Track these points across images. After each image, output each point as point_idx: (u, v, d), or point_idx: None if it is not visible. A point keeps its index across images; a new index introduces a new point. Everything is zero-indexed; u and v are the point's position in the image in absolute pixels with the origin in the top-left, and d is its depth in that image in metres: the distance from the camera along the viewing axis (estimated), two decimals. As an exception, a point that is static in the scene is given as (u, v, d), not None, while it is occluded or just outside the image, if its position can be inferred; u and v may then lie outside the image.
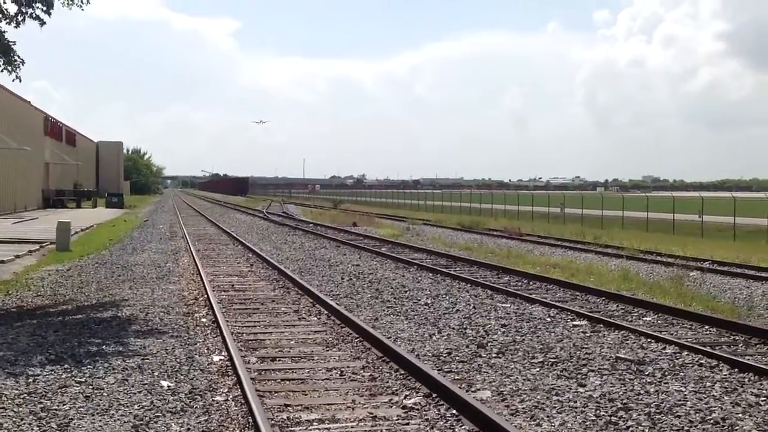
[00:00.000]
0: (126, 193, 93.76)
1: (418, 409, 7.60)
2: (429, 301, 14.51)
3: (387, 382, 8.65)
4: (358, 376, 8.92)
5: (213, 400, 7.92)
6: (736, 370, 9.26)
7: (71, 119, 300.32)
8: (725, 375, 9.06)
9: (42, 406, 7.53)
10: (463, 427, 7.04)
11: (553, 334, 11.44)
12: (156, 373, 8.92)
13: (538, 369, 9.30)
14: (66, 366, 9.13)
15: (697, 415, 7.45)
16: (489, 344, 10.67)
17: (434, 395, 7.96)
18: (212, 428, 7.04)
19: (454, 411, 7.44)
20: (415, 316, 12.93)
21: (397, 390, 8.31)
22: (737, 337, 11.38)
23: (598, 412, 7.52)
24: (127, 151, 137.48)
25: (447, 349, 10.36)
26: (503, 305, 14.08)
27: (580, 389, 8.36)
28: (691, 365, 9.53)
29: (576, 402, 7.86)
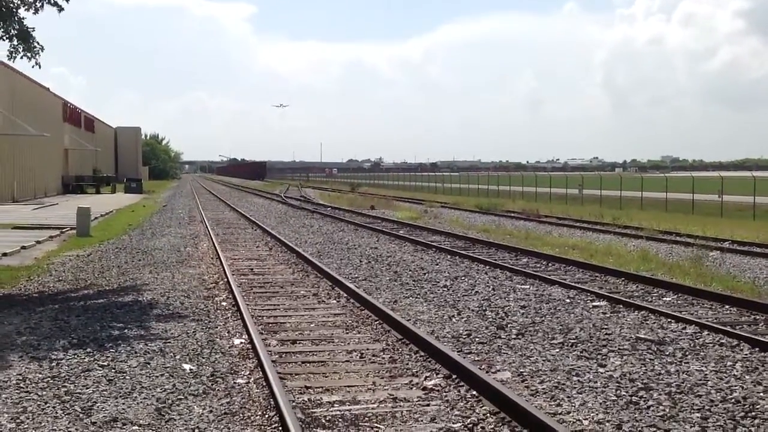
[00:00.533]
0: (144, 178, 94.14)
1: (438, 391, 7.63)
2: (448, 283, 14.52)
3: (407, 364, 8.68)
4: (378, 359, 8.96)
5: (235, 383, 7.99)
6: (757, 349, 9.22)
7: (89, 106, 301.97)
8: (746, 354, 9.02)
9: (66, 389, 7.62)
10: (483, 407, 7.06)
11: (572, 315, 11.42)
12: (178, 357, 9.00)
13: (557, 350, 9.30)
14: (89, 350, 9.22)
15: (718, 394, 7.43)
16: (508, 325, 10.67)
17: (454, 377, 7.98)
18: (234, 410, 7.10)
19: (474, 392, 7.46)
20: (434, 298, 12.95)
21: (417, 372, 8.34)
22: (758, 317, 11.31)
23: (618, 392, 7.52)
24: (145, 136, 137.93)
25: (466, 330, 10.37)
26: (522, 287, 14.07)
27: (601, 369, 8.35)
28: (711, 345, 9.49)
29: (596, 382, 7.86)
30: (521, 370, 8.36)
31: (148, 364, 8.65)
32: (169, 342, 9.73)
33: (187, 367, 8.56)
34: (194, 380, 8.04)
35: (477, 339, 9.90)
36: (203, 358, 9.00)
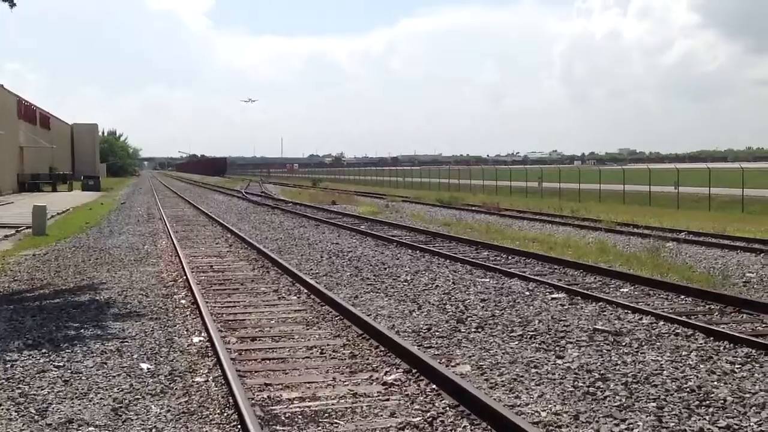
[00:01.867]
0: (102, 175, 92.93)
1: (398, 385, 7.65)
2: (409, 278, 14.55)
3: (367, 359, 8.69)
4: (339, 354, 8.95)
5: (193, 381, 7.92)
6: (712, 338, 9.38)
7: (46, 103, 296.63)
8: (701, 344, 9.18)
9: (20, 391, 7.49)
10: (443, 401, 7.09)
11: (531, 307, 11.52)
12: (135, 356, 8.90)
13: (516, 342, 9.37)
14: (44, 351, 9.07)
15: (674, 383, 7.55)
16: (468, 319, 10.72)
17: (414, 371, 8.00)
18: (192, 409, 7.04)
19: (434, 386, 7.49)
20: (395, 293, 12.97)
21: (377, 367, 8.35)
22: (712, 306, 11.52)
23: (576, 383, 7.60)
24: (103, 133, 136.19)
25: (427, 324, 10.41)
26: (482, 280, 14.15)
27: (559, 361, 8.44)
28: (667, 335, 9.64)
29: (554, 374, 7.94)
30: (481, 363, 8.41)
31: (105, 364, 8.54)
32: (127, 341, 9.61)
33: (144, 366, 8.46)
34: (152, 379, 7.95)
35: (437, 333, 9.94)
36: (161, 357, 8.91)
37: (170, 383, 7.84)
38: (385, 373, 8.07)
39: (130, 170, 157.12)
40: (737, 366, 8.18)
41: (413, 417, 6.70)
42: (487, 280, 14.17)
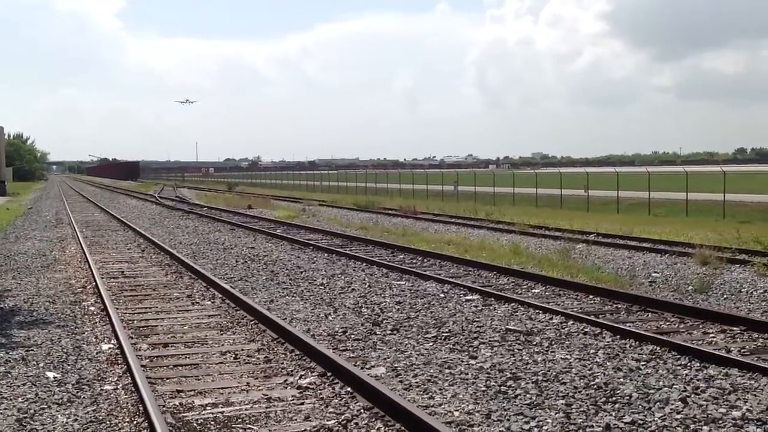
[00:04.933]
0: (8, 180, 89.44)
1: (313, 389, 7.62)
2: (324, 281, 14.52)
3: (282, 363, 8.63)
4: (253, 359, 8.86)
5: (102, 390, 7.71)
6: (618, 336, 9.68)
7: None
8: (608, 342, 9.46)
9: None
10: (357, 404, 7.10)
11: (446, 309, 11.65)
12: (41, 365, 8.62)
13: (431, 344, 9.47)
14: (-57, 361, 8.69)
15: (582, 381, 7.76)
16: (384, 321, 10.77)
17: (329, 374, 7.99)
18: (101, 418, 6.86)
19: (349, 389, 7.50)
20: (311, 297, 12.92)
21: (292, 371, 8.30)
22: (619, 306, 11.88)
23: (488, 382, 7.73)
24: (9, 136, 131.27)
25: (342, 328, 10.40)
26: (398, 283, 14.24)
27: (472, 361, 8.56)
28: (576, 334, 9.90)
29: (467, 374, 8.05)
30: (395, 365, 8.46)
31: (9, 373, 8.24)
32: (32, 350, 9.30)
33: (50, 375, 8.20)
34: (58, 388, 7.71)
35: (353, 336, 9.95)
36: (68, 365, 8.65)
37: (78, 392, 7.62)
38: (300, 377, 8.03)
39: (38, 175, 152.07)
40: (642, 363, 8.46)
41: (328, 420, 6.69)
42: (403, 282, 14.27)
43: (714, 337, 9.82)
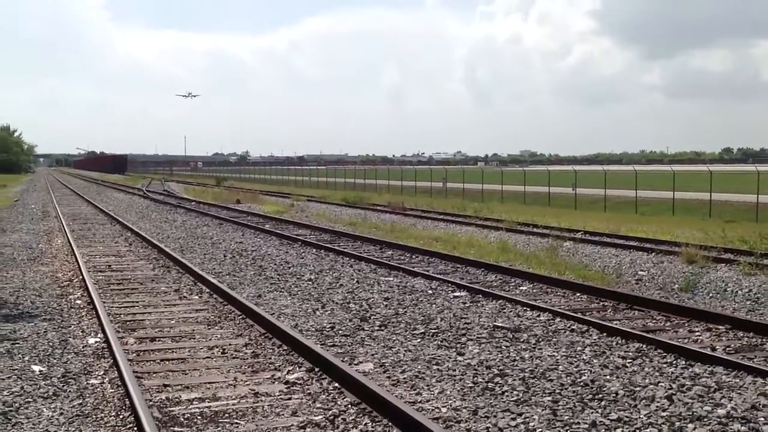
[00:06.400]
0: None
1: (300, 384, 7.62)
2: (313, 277, 14.51)
3: (270, 358, 8.62)
4: (241, 354, 8.85)
5: (88, 384, 7.69)
6: (605, 334, 9.72)
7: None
8: (594, 339, 9.50)
9: None
10: (345, 399, 7.10)
11: (434, 305, 11.67)
12: (27, 358, 8.58)
13: (419, 340, 9.48)
14: (-73, 354, 8.63)
15: (568, 378, 7.79)
16: (372, 317, 10.78)
17: (317, 369, 7.98)
18: (87, 412, 6.83)
19: (336, 384, 7.50)
20: (299, 292, 12.91)
21: (279, 366, 8.29)
22: (606, 303, 11.93)
23: (475, 379, 7.74)
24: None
25: (330, 323, 10.40)
26: (386, 279, 14.24)
27: (459, 358, 8.58)
28: (563, 331, 9.93)
29: (455, 370, 8.06)
30: (383, 361, 8.47)
31: (-6, 367, 8.19)
32: (18, 343, 9.25)
33: (36, 368, 8.16)
34: (44, 382, 7.68)
35: (340, 331, 9.95)
36: (54, 358, 8.62)
37: (64, 386, 7.59)
38: (288, 372, 8.02)
39: (24, 167, 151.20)
40: (629, 360, 8.50)
41: (315, 415, 6.69)
42: (391, 278, 14.27)
43: (699, 336, 9.88)
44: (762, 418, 6.58)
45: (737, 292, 13.41)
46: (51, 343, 9.29)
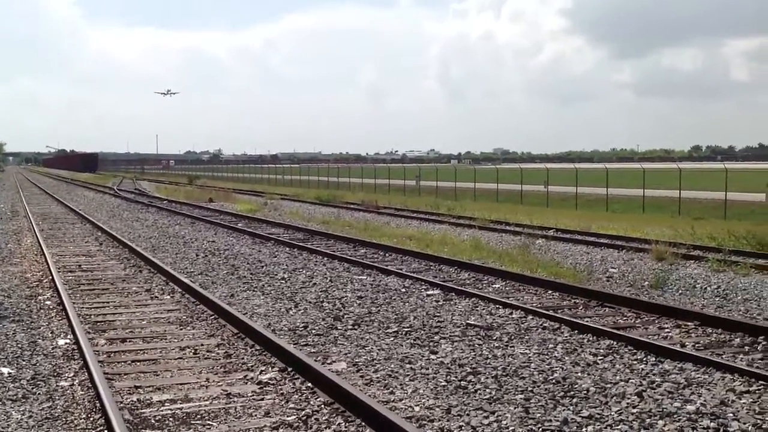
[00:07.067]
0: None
1: (273, 384, 7.59)
2: (286, 276, 14.47)
3: (242, 358, 8.59)
4: (213, 354, 8.80)
5: (58, 386, 7.61)
6: (576, 331, 9.80)
7: None
8: (566, 336, 9.57)
9: None
10: (317, 399, 7.09)
11: (407, 304, 11.68)
12: (-5, 361, 8.46)
13: (392, 339, 9.49)
14: None
15: (540, 375, 7.84)
16: (345, 316, 10.77)
17: (290, 369, 7.96)
18: (57, 414, 6.76)
19: (309, 384, 7.48)
20: (272, 291, 12.87)
21: (252, 366, 8.26)
22: (577, 301, 12.02)
23: (448, 377, 7.77)
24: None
25: (303, 322, 10.38)
26: (359, 277, 14.24)
27: (432, 356, 8.60)
28: (535, 328, 9.99)
29: (428, 369, 8.08)
30: (356, 360, 8.47)
31: (-39, 369, 8.08)
32: (-14, 345, 9.12)
33: (5, 370, 8.06)
34: (13, 384, 7.59)
35: (314, 331, 9.93)
36: (23, 360, 8.51)
37: (33, 388, 7.50)
38: (260, 373, 7.99)
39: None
40: (600, 357, 8.57)
41: (288, 416, 6.67)
42: (365, 277, 14.27)
43: (669, 332, 9.99)
44: (731, 414, 6.67)
45: (706, 288, 13.58)
46: (20, 345, 9.17)
